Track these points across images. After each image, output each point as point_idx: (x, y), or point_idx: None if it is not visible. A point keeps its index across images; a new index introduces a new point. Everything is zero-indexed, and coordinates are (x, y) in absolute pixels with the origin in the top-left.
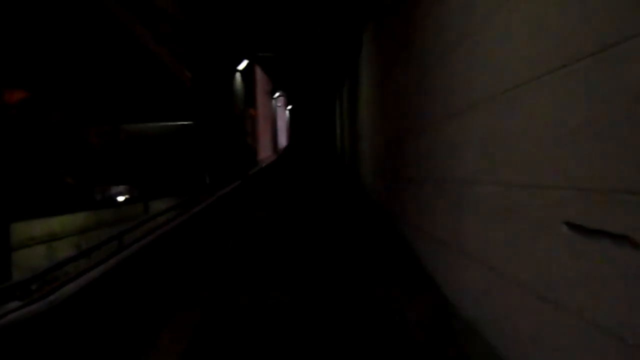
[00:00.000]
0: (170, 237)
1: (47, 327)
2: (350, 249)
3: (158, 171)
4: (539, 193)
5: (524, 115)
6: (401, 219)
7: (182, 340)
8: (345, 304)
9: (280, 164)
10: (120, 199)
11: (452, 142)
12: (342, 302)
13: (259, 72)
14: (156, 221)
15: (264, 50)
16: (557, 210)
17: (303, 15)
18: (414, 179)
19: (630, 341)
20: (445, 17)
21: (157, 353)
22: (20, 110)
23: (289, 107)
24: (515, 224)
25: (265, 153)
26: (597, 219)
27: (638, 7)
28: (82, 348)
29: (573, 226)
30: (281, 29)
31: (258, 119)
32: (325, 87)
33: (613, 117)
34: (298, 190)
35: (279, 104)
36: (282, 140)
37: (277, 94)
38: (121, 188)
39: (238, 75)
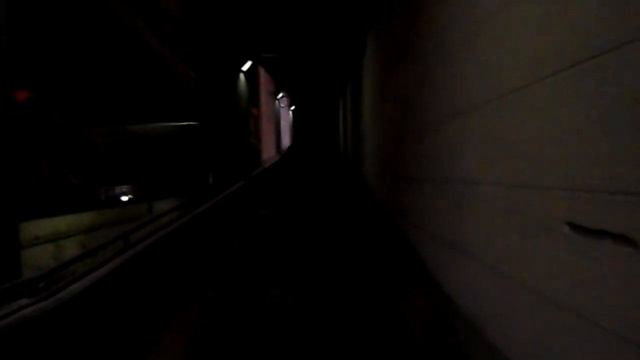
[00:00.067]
0: (175, 237)
1: (55, 323)
2: (353, 249)
3: (161, 171)
4: (540, 193)
5: (524, 116)
6: (403, 218)
7: (185, 339)
8: (347, 303)
9: (283, 164)
10: (124, 198)
11: (453, 143)
12: (344, 302)
13: (262, 73)
14: (160, 221)
15: (268, 51)
16: (559, 210)
17: (307, 17)
18: (416, 179)
19: (630, 340)
20: (446, 20)
21: (161, 351)
22: (24, 110)
23: (292, 107)
24: (516, 224)
25: (268, 153)
26: (598, 220)
27: (637, 12)
28: (88, 344)
29: (575, 226)
30: (285, 31)
31: (261, 119)
32: (329, 88)
33: (613, 118)
34: (301, 191)
35: (282, 105)
36: (286, 141)
37: (280, 95)
38: (125, 188)
39: (242, 76)
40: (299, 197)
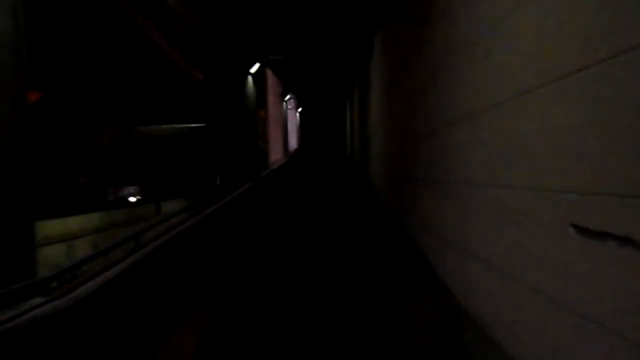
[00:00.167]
0: (184, 238)
1: (69, 322)
2: (359, 251)
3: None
4: (546, 196)
5: (531, 119)
6: (409, 218)
7: (195, 338)
8: (353, 305)
9: (290, 166)
10: (132, 199)
11: (460, 146)
12: (350, 303)
13: (270, 75)
14: (170, 222)
15: (276, 54)
16: (564, 213)
17: (314, 19)
18: (422, 181)
19: (632, 340)
20: (454, 23)
21: (171, 350)
22: (34, 111)
23: (300, 109)
24: (523, 226)
25: (275, 155)
26: (602, 222)
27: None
28: (100, 342)
29: (580, 229)
30: (293, 33)
31: (269, 121)
32: (336, 89)
33: (617, 122)
34: (308, 192)
35: (290, 107)
36: (293, 143)
37: (287, 97)
38: (133, 189)
39: (249, 78)
40: (306, 199)
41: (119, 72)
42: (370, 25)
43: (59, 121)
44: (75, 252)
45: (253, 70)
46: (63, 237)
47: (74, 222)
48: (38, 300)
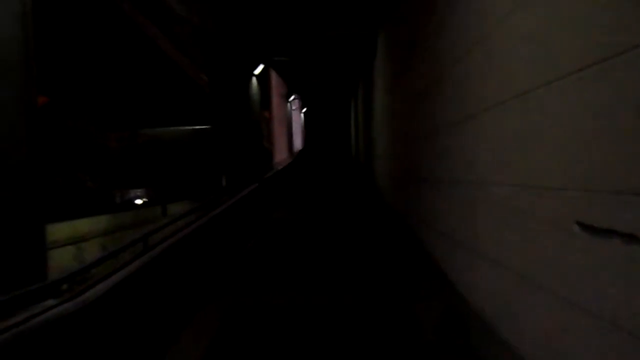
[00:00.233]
0: (191, 239)
1: (80, 324)
2: (365, 251)
3: (175, 174)
4: (551, 194)
5: (535, 119)
6: (415, 218)
7: (204, 338)
8: (360, 306)
9: (295, 166)
10: (139, 202)
11: (465, 145)
12: (357, 304)
13: (274, 76)
14: (176, 225)
15: (280, 55)
16: (569, 210)
17: (318, 20)
18: (427, 180)
19: (639, 336)
20: (458, 24)
21: (180, 351)
22: (41, 115)
23: (304, 110)
24: (528, 224)
25: (280, 156)
26: (607, 219)
27: None
28: (110, 343)
29: (584, 226)
30: (296, 34)
31: (273, 122)
32: (340, 90)
33: (621, 121)
34: (313, 193)
35: (294, 107)
36: (297, 143)
37: (292, 97)
38: (139, 191)
39: (254, 79)
40: (311, 199)
41: (125, 76)
42: (373, 24)
43: (65, 125)
44: (83, 254)
45: (257, 71)
46: (72, 239)
47: (82, 225)
48: (50, 302)
